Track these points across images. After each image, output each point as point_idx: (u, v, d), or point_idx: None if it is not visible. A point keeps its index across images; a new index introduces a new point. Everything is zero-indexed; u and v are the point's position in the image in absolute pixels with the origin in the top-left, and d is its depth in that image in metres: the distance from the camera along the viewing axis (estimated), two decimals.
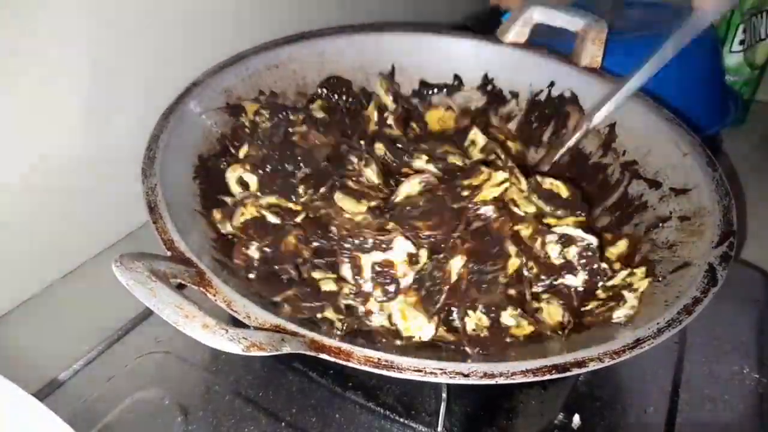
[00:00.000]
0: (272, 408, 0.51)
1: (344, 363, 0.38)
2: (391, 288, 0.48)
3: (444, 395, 0.50)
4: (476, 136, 0.63)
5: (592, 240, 0.51)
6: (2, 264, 0.58)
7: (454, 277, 0.49)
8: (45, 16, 0.54)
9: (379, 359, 0.38)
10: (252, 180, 0.57)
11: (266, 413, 0.51)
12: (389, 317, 0.49)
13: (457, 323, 0.49)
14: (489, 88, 0.74)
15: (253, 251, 0.51)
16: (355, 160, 0.57)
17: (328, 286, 0.49)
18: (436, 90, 0.76)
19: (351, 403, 0.52)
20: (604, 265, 0.51)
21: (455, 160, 0.59)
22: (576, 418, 0.51)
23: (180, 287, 0.39)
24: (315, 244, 0.52)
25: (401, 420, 0.51)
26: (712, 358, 0.58)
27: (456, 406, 0.52)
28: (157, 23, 0.64)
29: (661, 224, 0.55)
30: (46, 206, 0.60)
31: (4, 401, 0.37)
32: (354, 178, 0.56)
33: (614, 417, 0.52)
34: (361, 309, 0.49)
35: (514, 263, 0.51)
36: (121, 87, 0.63)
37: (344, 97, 0.71)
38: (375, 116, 0.67)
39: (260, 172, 0.57)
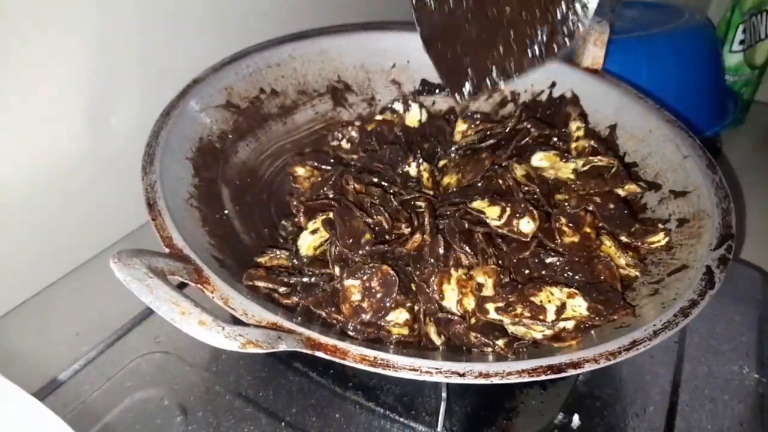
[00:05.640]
0: (272, 408, 0.51)
1: (340, 361, 0.38)
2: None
3: (444, 395, 0.50)
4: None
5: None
6: (2, 264, 0.58)
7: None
8: (45, 15, 0.54)
9: (374, 358, 0.38)
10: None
11: (266, 413, 0.51)
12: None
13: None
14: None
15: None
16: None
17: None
18: (437, 90, 0.76)
19: (351, 403, 0.52)
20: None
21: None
22: (576, 418, 0.51)
23: (181, 286, 0.40)
24: None
25: (401, 420, 0.51)
26: (711, 357, 0.58)
27: (456, 406, 0.52)
28: (157, 21, 0.64)
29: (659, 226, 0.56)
30: (46, 206, 0.60)
31: (4, 401, 0.37)
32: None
33: (614, 417, 0.52)
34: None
35: None
36: (121, 86, 0.63)
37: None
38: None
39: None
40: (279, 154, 0.68)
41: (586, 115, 0.67)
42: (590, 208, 0.55)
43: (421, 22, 0.61)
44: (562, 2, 0.53)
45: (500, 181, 0.58)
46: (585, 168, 0.58)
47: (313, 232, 0.54)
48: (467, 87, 0.60)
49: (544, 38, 0.55)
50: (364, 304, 0.47)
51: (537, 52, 0.56)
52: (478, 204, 0.54)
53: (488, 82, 0.59)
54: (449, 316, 0.48)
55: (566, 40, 0.54)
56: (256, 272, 0.50)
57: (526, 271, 0.51)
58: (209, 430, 0.49)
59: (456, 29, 0.59)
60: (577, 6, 0.53)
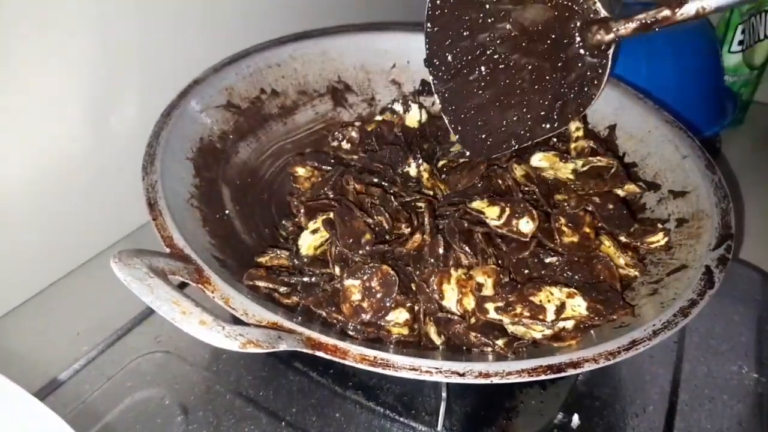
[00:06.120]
0: (272, 407, 0.51)
1: (340, 361, 0.38)
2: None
3: (444, 394, 0.50)
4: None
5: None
6: (3, 264, 0.58)
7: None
8: (45, 15, 0.54)
9: (374, 357, 0.38)
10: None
11: (266, 413, 0.51)
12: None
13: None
14: None
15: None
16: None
17: None
18: None
19: (351, 403, 0.52)
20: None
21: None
22: (575, 418, 0.51)
23: (182, 286, 0.40)
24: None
25: (401, 419, 0.51)
26: (711, 357, 0.58)
27: (456, 406, 0.52)
28: (158, 21, 0.64)
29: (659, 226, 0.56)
30: (46, 206, 0.60)
31: (5, 401, 0.37)
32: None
33: (613, 417, 0.52)
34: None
35: None
36: (121, 86, 0.64)
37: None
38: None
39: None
40: (279, 154, 0.68)
41: (586, 115, 0.67)
42: (589, 208, 0.55)
43: (439, 88, 0.62)
44: (573, 74, 0.54)
45: (500, 182, 0.58)
46: (584, 168, 0.59)
47: (314, 232, 0.54)
48: (483, 152, 0.61)
49: (558, 108, 0.56)
50: (364, 304, 0.47)
51: (551, 122, 0.57)
52: (477, 204, 0.54)
53: (504, 148, 0.60)
54: (449, 315, 0.48)
55: (580, 109, 0.56)
56: (256, 272, 0.50)
57: (526, 271, 0.51)
58: (210, 429, 0.49)
59: (471, 99, 0.60)
60: (589, 74, 0.53)
